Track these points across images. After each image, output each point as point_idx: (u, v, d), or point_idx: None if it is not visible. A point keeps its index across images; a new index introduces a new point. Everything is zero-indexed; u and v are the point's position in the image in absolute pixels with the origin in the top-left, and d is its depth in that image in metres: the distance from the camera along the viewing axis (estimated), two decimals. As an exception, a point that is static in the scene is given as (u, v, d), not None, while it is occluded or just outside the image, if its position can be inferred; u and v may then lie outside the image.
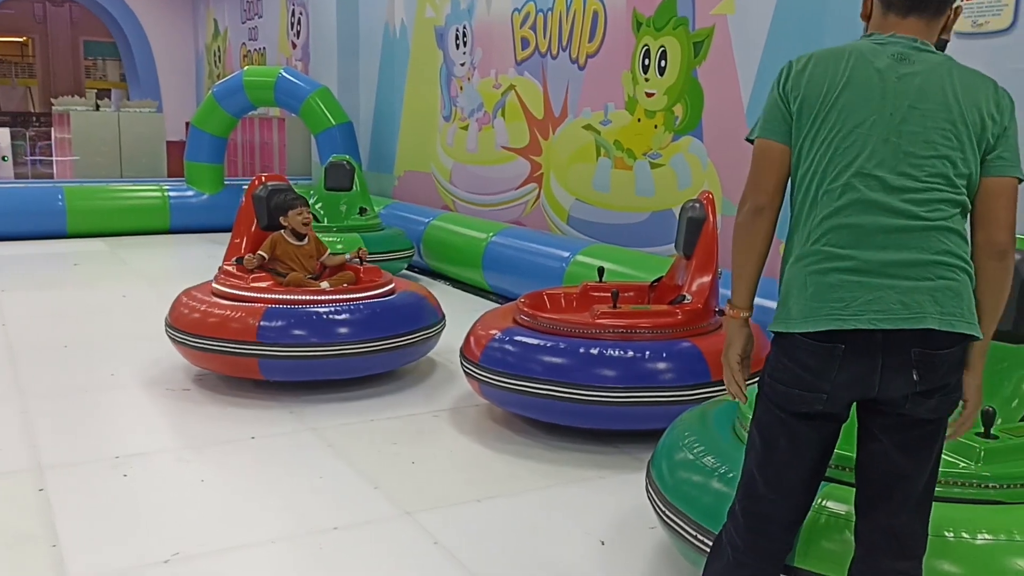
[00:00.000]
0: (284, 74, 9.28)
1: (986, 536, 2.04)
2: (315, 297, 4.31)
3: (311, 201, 7.37)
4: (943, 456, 2.22)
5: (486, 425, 4.00)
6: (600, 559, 2.84)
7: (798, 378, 1.84)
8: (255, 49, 13.47)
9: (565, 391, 3.60)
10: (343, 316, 4.24)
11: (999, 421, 2.33)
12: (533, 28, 7.13)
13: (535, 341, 3.74)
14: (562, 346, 3.67)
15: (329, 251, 4.89)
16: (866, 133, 1.80)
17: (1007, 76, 3.54)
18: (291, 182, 5.17)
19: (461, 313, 5.41)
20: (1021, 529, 2.05)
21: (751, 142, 1.99)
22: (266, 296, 4.29)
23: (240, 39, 14.11)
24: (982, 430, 2.25)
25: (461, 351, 4.04)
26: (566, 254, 6.09)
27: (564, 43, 6.79)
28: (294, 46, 11.93)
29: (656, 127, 5.94)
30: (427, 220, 7.83)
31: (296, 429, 3.91)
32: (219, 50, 15.20)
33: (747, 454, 1.99)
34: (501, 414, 4.07)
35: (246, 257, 4.62)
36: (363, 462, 3.57)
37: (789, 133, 1.91)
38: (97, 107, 11.46)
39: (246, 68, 9.63)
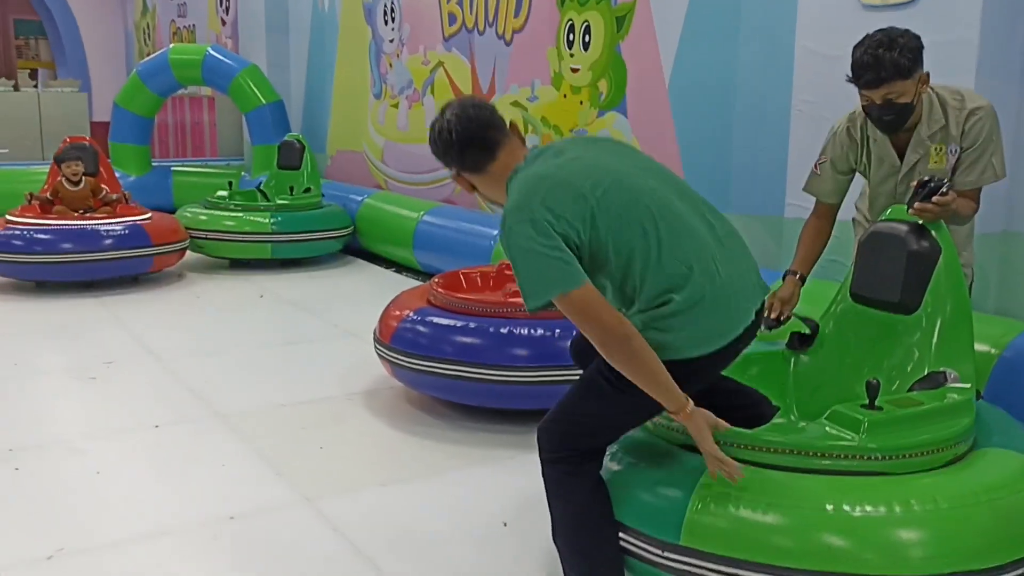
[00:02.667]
0: (211, 52, 9.02)
1: (867, 508, 2.02)
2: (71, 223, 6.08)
3: (266, 179, 7.45)
4: (828, 430, 2.23)
5: (399, 407, 3.93)
6: (501, 540, 2.79)
7: None
8: (184, 26, 13.10)
9: (476, 371, 3.55)
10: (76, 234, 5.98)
11: (886, 393, 2.33)
12: (460, 4, 7.00)
13: (446, 321, 3.68)
14: (472, 326, 3.61)
15: (105, 192, 6.50)
16: None
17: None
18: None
19: (388, 293, 5.30)
20: (903, 500, 2.04)
21: None
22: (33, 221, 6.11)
23: (169, 16, 13.72)
24: (866, 402, 2.24)
25: (374, 332, 3.96)
26: (494, 232, 6.01)
27: (490, 19, 6.68)
28: (223, 23, 11.62)
29: (582, 103, 5.88)
30: (360, 199, 7.70)
31: (203, 416, 3.81)
32: (148, 27, 14.77)
33: (599, 403, 2.14)
34: (416, 396, 4.00)
35: (38, 196, 6.35)
36: (269, 448, 3.48)
37: None
38: (17, 87, 11.05)
39: (172, 46, 9.34)
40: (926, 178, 2.62)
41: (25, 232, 5.92)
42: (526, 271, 2.00)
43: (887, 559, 1.98)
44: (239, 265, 6.97)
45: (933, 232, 2.61)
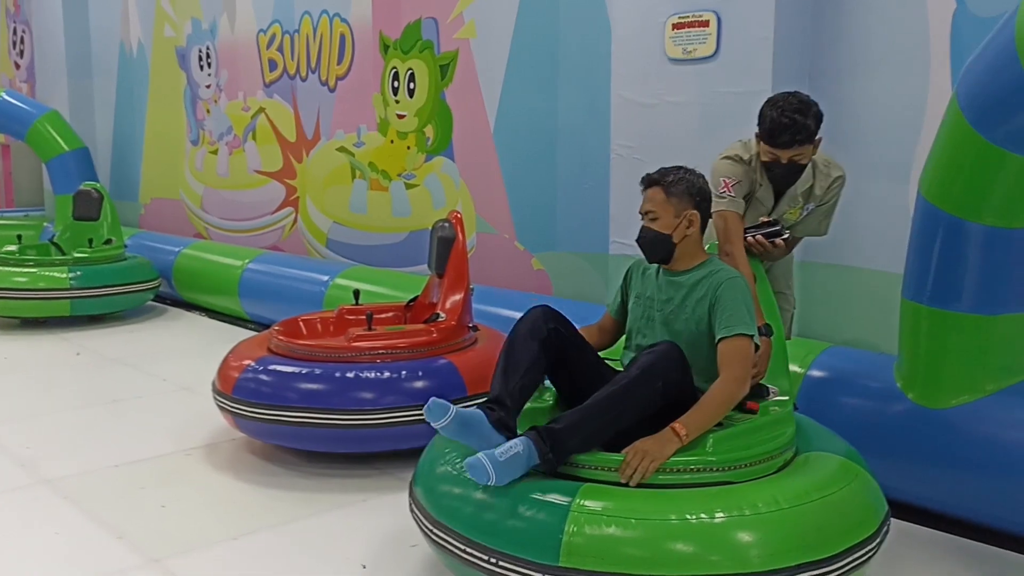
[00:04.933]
0: (6, 97, 8.47)
1: (718, 514, 2.21)
2: None
3: (58, 232, 6.91)
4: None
5: (243, 459, 3.85)
6: (362, 583, 2.81)
7: None
8: (-29, 69, 12.20)
9: (324, 417, 3.54)
10: None
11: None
12: (280, 50, 6.99)
13: (290, 369, 3.66)
14: (318, 372, 3.61)
15: None
16: None
17: (714, 98, 3.92)
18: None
19: (216, 344, 5.18)
20: (749, 505, 2.24)
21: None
22: None
23: (-47, 58, 12.73)
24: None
25: (214, 384, 3.87)
26: (325, 278, 6.00)
27: (313, 65, 6.71)
28: (17, 67, 10.93)
29: (409, 148, 6.01)
30: (177, 249, 7.43)
31: (28, 484, 3.57)
32: (-73, 70, 13.62)
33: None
34: (260, 446, 3.93)
35: None
36: (106, 511, 3.31)
37: None
38: None
39: (-40, 90, 8.69)
40: (772, 219, 2.96)
41: None
42: (746, 309, 2.62)
43: (733, 559, 2.18)
44: (32, 324, 6.50)
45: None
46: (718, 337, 2.61)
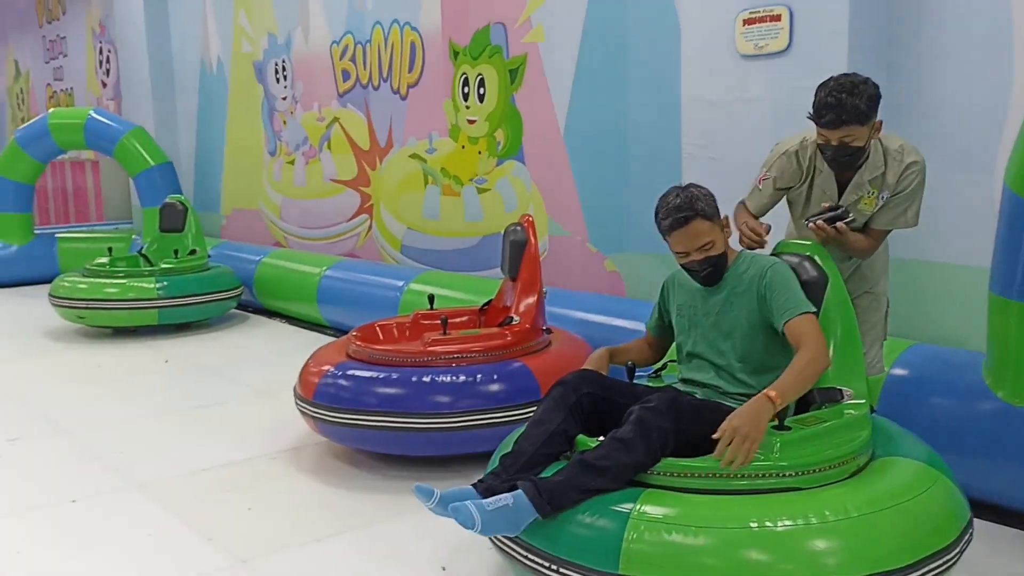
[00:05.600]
0: (94, 115, 8.85)
1: (785, 522, 2.19)
2: None
3: (146, 244, 7.21)
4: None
5: (324, 462, 3.94)
6: (442, 585, 2.86)
7: None
8: (62, 90, 12.77)
9: (401, 421, 3.61)
10: None
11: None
12: (353, 60, 7.13)
13: (368, 374, 3.73)
14: (395, 376, 3.68)
15: None
16: None
17: (787, 93, 3.86)
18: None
19: (296, 350, 5.32)
20: (817, 512, 2.21)
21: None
22: None
23: (44, 79, 13.35)
24: (777, 423, 2.43)
25: (295, 389, 3.97)
26: (400, 283, 6.09)
27: (385, 74, 6.83)
28: (104, 85, 11.40)
29: (480, 153, 6.06)
30: (258, 258, 7.64)
31: (119, 488, 3.72)
32: (22, 92, 14.32)
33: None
34: (340, 450, 4.02)
35: None
36: (195, 514, 3.43)
37: None
38: None
39: (52, 110, 9.11)
40: (836, 204, 2.89)
41: None
42: (797, 288, 2.70)
43: (807, 568, 2.14)
44: (123, 333, 6.77)
45: (820, 261, 2.86)
46: (783, 321, 2.63)
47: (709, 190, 2.78)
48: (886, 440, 2.66)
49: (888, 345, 3.51)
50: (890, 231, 3.05)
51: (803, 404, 2.68)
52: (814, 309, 2.65)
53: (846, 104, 2.73)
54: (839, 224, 2.85)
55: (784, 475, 2.33)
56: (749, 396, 2.54)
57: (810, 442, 2.43)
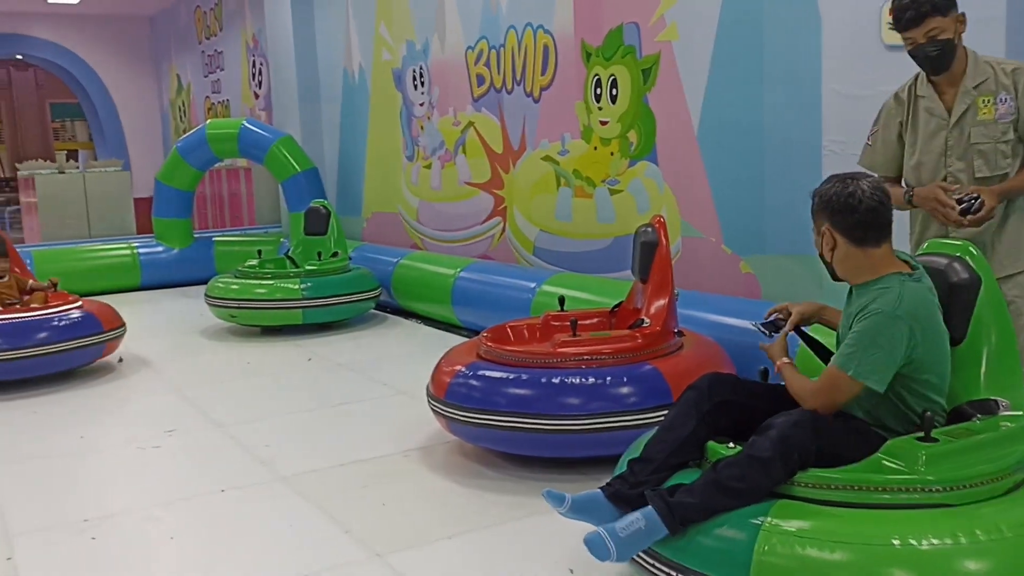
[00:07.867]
0: (247, 125, 9.34)
1: (932, 541, 2.07)
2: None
3: (292, 246, 7.56)
4: (886, 463, 2.29)
5: (456, 461, 4.01)
6: (569, 588, 2.85)
7: None
8: (219, 102, 13.55)
9: (531, 422, 3.63)
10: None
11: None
12: (487, 65, 7.23)
13: (498, 374, 3.78)
14: (524, 377, 3.70)
15: (31, 282, 6.10)
16: None
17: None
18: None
19: (431, 350, 5.44)
20: (967, 531, 2.08)
21: None
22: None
23: (204, 93, 14.20)
24: (922, 435, 2.30)
25: (427, 388, 4.06)
26: (532, 285, 6.13)
27: (518, 78, 6.89)
28: (256, 96, 12.01)
29: (612, 154, 6.02)
30: (395, 260, 7.87)
31: (266, 480, 3.91)
32: (184, 104, 15.28)
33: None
34: (471, 449, 4.09)
35: None
36: (334, 507, 3.57)
37: None
38: (62, 170, 11.46)
39: (209, 121, 9.69)
40: (963, 195, 2.79)
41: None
42: (868, 349, 2.43)
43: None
44: (270, 331, 7.11)
45: (971, 262, 2.69)
46: (831, 361, 2.54)
47: (840, 180, 2.62)
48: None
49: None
50: None
51: (957, 417, 2.53)
52: (852, 372, 2.44)
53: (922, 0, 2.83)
54: (971, 218, 2.81)
55: (931, 490, 2.20)
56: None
57: (960, 456, 2.28)
